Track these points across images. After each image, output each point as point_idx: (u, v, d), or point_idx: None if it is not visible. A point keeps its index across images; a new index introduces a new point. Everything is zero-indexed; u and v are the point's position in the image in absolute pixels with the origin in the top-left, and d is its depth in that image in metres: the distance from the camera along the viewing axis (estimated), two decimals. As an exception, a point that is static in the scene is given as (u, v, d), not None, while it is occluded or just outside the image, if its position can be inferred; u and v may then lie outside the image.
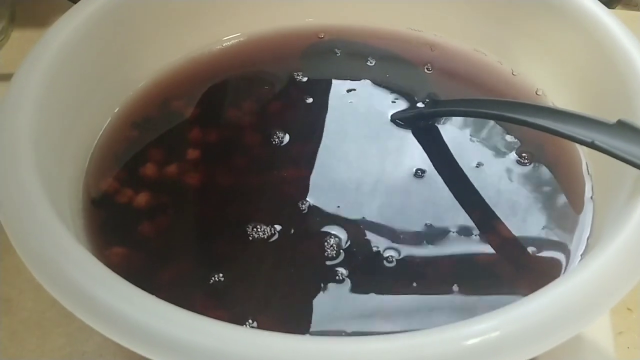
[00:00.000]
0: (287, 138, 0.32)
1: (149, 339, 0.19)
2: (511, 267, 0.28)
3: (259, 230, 0.28)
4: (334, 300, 0.26)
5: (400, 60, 0.38)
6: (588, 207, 0.29)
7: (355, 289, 0.26)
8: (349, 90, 0.35)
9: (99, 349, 0.28)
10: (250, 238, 0.28)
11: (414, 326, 0.19)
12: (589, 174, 0.31)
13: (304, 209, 0.29)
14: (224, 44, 0.38)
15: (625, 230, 0.22)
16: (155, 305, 0.20)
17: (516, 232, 0.28)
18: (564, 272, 0.27)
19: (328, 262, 0.27)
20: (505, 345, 0.19)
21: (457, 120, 0.33)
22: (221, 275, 0.26)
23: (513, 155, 0.31)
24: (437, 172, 0.31)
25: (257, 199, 0.30)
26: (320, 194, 0.30)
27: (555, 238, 0.28)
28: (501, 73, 0.36)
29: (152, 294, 0.20)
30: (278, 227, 0.28)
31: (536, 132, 0.27)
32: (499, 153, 0.32)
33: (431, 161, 0.31)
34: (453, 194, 0.30)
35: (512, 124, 0.30)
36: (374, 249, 0.27)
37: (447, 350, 0.19)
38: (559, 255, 0.28)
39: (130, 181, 0.30)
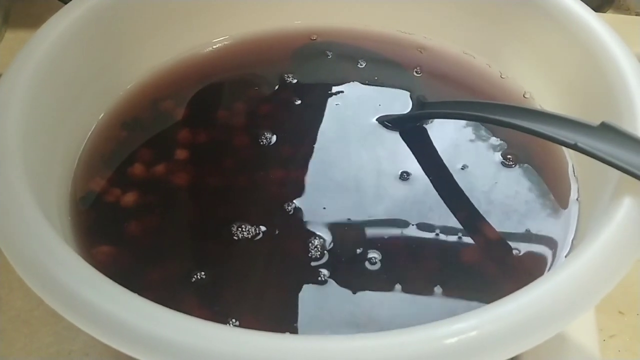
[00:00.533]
0: (274, 139, 0.32)
1: (134, 338, 0.19)
2: (495, 269, 0.28)
3: (243, 230, 0.28)
4: (316, 300, 0.26)
5: (390, 63, 0.38)
6: (573, 209, 0.29)
7: (338, 289, 0.26)
8: (338, 92, 0.35)
9: (86, 348, 0.29)
10: (235, 238, 0.28)
11: (395, 327, 0.19)
12: (574, 176, 0.31)
13: (290, 210, 0.29)
14: (214, 46, 0.38)
15: (606, 232, 0.22)
16: (140, 305, 0.20)
17: (501, 233, 0.29)
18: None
19: (311, 263, 0.27)
20: (484, 344, 0.19)
21: (445, 122, 0.33)
22: (203, 274, 0.27)
23: (498, 157, 0.32)
24: (423, 174, 0.31)
25: (243, 199, 0.30)
26: (306, 195, 0.30)
27: (540, 239, 0.28)
28: (489, 76, 0.36)
29: (138, 292, 0.20)
30: (263, 228, 0.28)
31: (522, 134, 0.27)
32: (485, 155, 0.32)
33: (418, 163, 0.31)
34: (438, 195, 0.30)
35: (498, 126, 0.30)
36: (358, 250, 0.27)
37: (425, 349, 0.19)
38: (543, 257, 0.28)
39: (118, 181, 0.30)
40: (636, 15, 0.48)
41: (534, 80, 0.34)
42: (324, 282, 0.26)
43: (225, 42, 0.38)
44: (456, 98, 0.35)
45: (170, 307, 0.20)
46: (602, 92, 0.29)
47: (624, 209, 0.23)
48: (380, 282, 0.27)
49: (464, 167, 0.31)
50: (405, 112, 0.34)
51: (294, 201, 0.29)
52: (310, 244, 0.27)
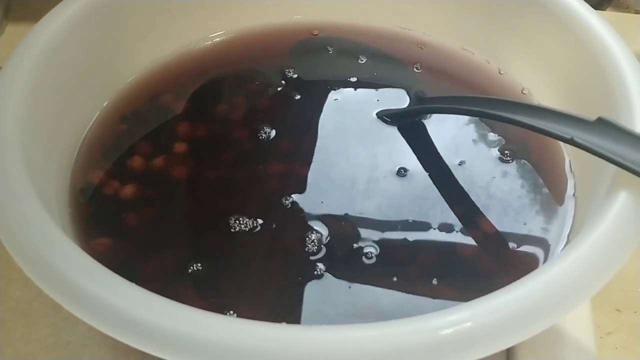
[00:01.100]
0: (273, 134, 0.32)
1: (132, 327, 0.19)
2: (492, 263, 0.28)
3: (241, 223, 0.28)
4: (312, 293, 0.26)
5: (390, 59, 0.38)
6: (569, 204, 0.29)
7: (334, 283, 0.26)
8: (338, 87, 0.36)
9: (84, 339, 0.29)
10: (233, 230, 0.28)
11: (391, 319, 0.19)
12: (571, 171, 0.31)
13: (287, 204, 0.29)
14: (215, 40, 0.38)
15: (601, 226, 0.22)
16: (138, 295, 0.20)
17: (497, 228, 0.29)
18: (541, 267, 0.27)
19: (308, 257, 0.27)
20: (479, 335, 0.19)
21: (443, 117, 0.34)
22: (201, 266, 0.27)
23: (496, 153, 0.32)
24: (421, 169, 0.31)
25: (241, 192, 0.30)
26: (304, 189, 0.30)
27: (536, 234, 0.29)
28: (488, 72, 0.36)
29: (136, 283, 0.20)
30: (260, 221, 0.28)
31: (520, 129, 0.27)
32: (482, 150, 0.32)
33: (416, 158, 0.32)
34: (435, 191, 0.30)
35: (497, 122, 0.30)
36: (354, 245, 0.28)
37: (419, 340, 0.19)
38: (539, 251, 0.28)
39: (117, 173, 0.30)
40: (635, 13, 0.48)
41: (532, 77, 0.34)
42: (320, 276, 0.26)
43: (226, 36, 0.38)
44: (455, 94, 0.35)
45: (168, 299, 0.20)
46: (600, 88, 0.29)
47: (619, 203, 0.23)
48: (377, 276, 0.27)
49: (461, 163, 0.31)
50: (404, 107, 0.34)
51: (292, 195, 0.29)
52: (307, 238, 0.28)
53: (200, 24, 0.37)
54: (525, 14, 0.34)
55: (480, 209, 0.29)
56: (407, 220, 0.29)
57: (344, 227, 0.28)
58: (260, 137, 0.32)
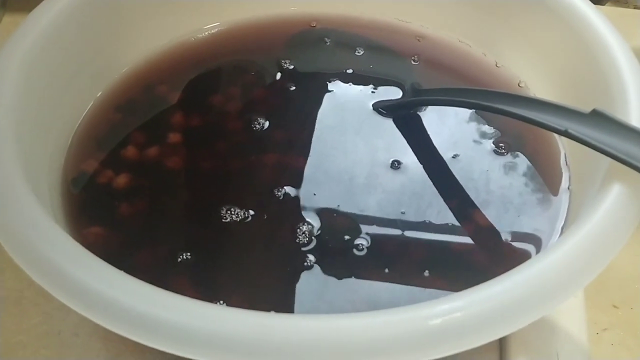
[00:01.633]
0: (267, 125, 0.32)
1: (122, 317, 0.19)
2: (485, 255, 0.28)
3: (232, 213, 0.28)
4: (302, 284, 0.26)
5: (388, 51, 0.38)
6: (564, 197, 0.29)
7: (324, 274, 0.26)
8: (334, 79, 0.35)
9: (75, 328, 0.29)
10: (225, 221, 0.28)
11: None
12: (567, 164, 0.31)
13: (280, 195, 0.29)
14: (212, 31, 0.38)
15: (594, 218, 0.22)
16: (128, 284, 0.20)
17: (491, 220, 0.29)
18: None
19: (299, 248, 0.27)
20: (468, 325, 0.19)
21: (439, 109, 0.33)
22: (191, 255, 0.27)
23: (491, 145, 0.32)
24: (415, 162, 0.31)
25: (233, 183, 0.30)
26: (297, 181, 0.30)
27: (530, 227, 0.28)
28: (485, 64, 0.36)
29: (128, 272, 0.20)
30: (252, 212, 0.28)
31: (516, 122, 0.27)
32: (477, 143, 0.32)
33: (410, 150, 0.31)
34: (429, 183, 0.30)
35: (492, 114, 0.30)
36: (346, 237, 0.28)
37: (409, 329, 0.19)
38: (532, 244, 0.28)
39: (110, 163, 0.30)
40: (635, 8, 0.48)
41: (528, 69, 0.34)
42: (310, 267, 0.26)
43: (223, 27, 0.38)
44: (451, 86, 0.35)
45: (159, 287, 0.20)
46: (596, 80, 0.29)
47: (612, 196, 0.23)
48: (367, 268, 0.27)
49: (456, 155, 0.31)
50: (399, 98, 0.34)
51: (285, 187, 0.29)
52: (298, 230, 0.28)
53: (197, 14, 0.37)
54: (523, 7, 0.34)
55: (474, 202, 0.29)
56: (400, 212, 0.29)
57: (335, 219, 0.28)
58: (254, 128, 0.32)
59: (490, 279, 0.20)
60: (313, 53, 0.38)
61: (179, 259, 0.27)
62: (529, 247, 0.28)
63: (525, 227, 0.28)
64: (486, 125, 0.33)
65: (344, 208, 0.29)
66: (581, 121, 0.25)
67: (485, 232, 0.28)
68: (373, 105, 0.34)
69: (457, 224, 0.29)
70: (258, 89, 0.35)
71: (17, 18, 0.45)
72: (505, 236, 0.28)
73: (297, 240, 0.27)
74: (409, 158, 0.31)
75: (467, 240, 0.28)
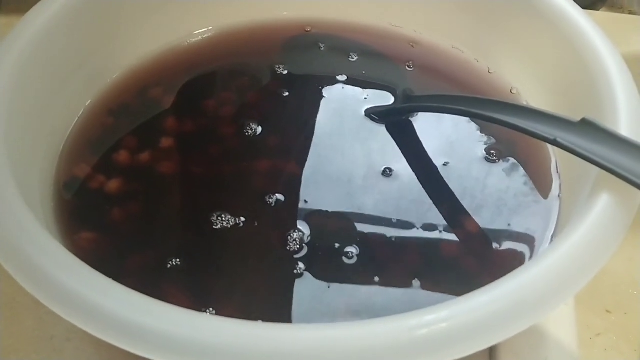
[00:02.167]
0: (260, 130, 0.32)
1: (111, 325, 0.19)
2: (475, 263, 0.28)
3: (223, 220, 0.28)
4: (291, 292, 0.26)
5: (382, 57, 0.38)
6: (554, 205, 0.29)
7: (313, 282, 0.26)
8: (327, 85, 0.35)
9: (68, 333, 0.29)
10: (215, 227, 0.28)
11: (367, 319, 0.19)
12: (557, 172, 0.31)
13: (271, 202, 0.29)
14: (206, 35, 0.38)
15: (582, 227, 0.22)
16: (117, 292, 0.20)
17: (481, 228, 0.29)
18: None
19: (289, 256, 0.27)
20: (455, 336, 0.19)
21: (431, 115, 0.34)
22: (182, 262, 0.27)
23: (482, 152, 0.32)
24: (407, 169, 0.31)
25: (225, 189, 0.30)
26: (288, 187, 0.30)
27: (520, 235, 0.29)
28: (478, 71, 0.36)
29: (119, 279, 0.20)
30: (243, 218, 0.28)
31: (507, 129, 0.27)
32: (469, 150, 0.32)
33: (402, 157, 0.31)
34: (420, 191, 0.30)
35: (484, 121, 0.30)
36: (336, 244, 0.28)
37: (394, 340, 0.19)
38: (522, 252, 0.28)
39: (102, 167, 0.30)
40: (629, 13, 0.48)
41: (521, 76, 0.34)
42: (300, 275, 0.26)
43: (216, 32, 0.38)
44: (443, 92, 0.35)
45: (149, 295, 0.20)
46: (587, 87, 0.29)
47: (600, 205, 0.23)
48: (357, 276, 0.27)
49: (447, 162, 0.31)
50: (391, 105, 0.34)
51: (276, 193, 0.29)
52: (289, 237, 0.28)
53: (191, 18, 0.37)
54: (516, 14, 0.34)
55: (465, 209, 0.29)
56: (391, 220, 0.29)
57: (326, 226, 0.28)
58: (247, 134, 0.32)
59: (480, 287, 0.20)
60: (307, 58, 0.38)
61: (169, 265, 0.27)
62: (520, 255, 0.28)
63: (516, 235, 0.29)
64: (478, 132, 0.33)
65: (335, 215, 0.29)
66: (570, 130, 0.25)
67: (476, 240, 0.29)
68: (365, 111, 0.34)
69: (447, 231, 0.29)
70: (251, 93, 0.35)
71: (12, 20, 0.45)
72: (496, 244, 0.28)
73: (287, 248, 0.27)
74: (401, 165, 0.31)
75: (458, 248, 0.28)
